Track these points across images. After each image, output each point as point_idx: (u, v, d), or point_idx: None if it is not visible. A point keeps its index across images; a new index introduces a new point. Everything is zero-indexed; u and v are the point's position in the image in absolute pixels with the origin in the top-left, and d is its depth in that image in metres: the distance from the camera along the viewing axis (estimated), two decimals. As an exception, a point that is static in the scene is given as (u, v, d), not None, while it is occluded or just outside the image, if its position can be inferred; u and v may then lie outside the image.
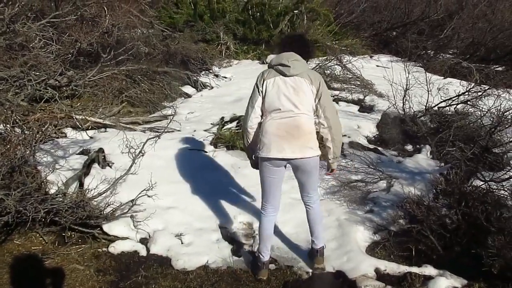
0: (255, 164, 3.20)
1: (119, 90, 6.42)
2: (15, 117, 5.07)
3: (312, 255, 3.33)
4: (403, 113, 5.94)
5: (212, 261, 3.37)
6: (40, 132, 4.88)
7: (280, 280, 3.25)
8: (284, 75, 2.91)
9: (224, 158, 4.90)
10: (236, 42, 9.69)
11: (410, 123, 5.80)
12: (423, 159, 5.08)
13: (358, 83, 7.47)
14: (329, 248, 3.54)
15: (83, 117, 5.15)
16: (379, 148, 5.48)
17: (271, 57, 9.51)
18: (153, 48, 8.27)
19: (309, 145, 2.92)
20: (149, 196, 3.64)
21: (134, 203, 3.56)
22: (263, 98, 2.97)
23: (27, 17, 6.24)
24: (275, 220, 3.27)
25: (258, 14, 10.07)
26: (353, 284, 3.15)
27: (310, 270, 3.33)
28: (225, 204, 4.09)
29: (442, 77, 8.14)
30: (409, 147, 5.57)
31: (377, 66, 9.41)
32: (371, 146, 5.53)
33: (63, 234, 3.56)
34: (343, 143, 5.47)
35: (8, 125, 4.77)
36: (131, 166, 3.86)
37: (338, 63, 7.76)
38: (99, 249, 3.47)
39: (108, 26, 7.23)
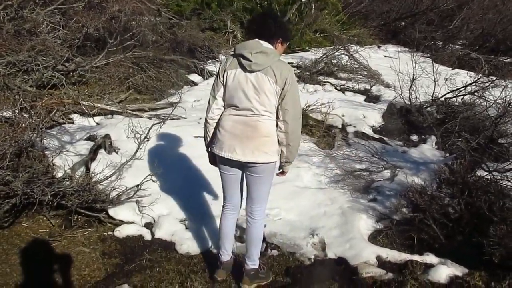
0: (213, 159, 2.91)
1: (126, 77, 6.45)
2: (22, 102, 5.13)
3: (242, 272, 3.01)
4: (409, 103, 5.93)
5: (216, 246, 3.41)
6: (47, 117, 4.94)
7: (282, 266, 3.28)
8: (245, 70, 2.54)
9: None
10: (243, 30, 9.64)
11: (416, 114, 5.80)
12: (428, 150, 5.09)
13: (365, 73, 7.45)
14: (332, 235, 3.58)
15: (90, 103, 5.19)
16: (384, 138, 5.48)
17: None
18: (160, 35, 8.28)
19: (263, 149, 2.62)
20: (153, 181, 3.68)
21: (139, 187, 3.61)
22: (224, 88, 2.65)
23: (35, 3, 6.28)
24: (235, 219, 3.03)
25: (265, 2, 10.02)
26: (354, 271, 3.18)
27: (312, 257, 3.37)
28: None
29: (450, 68, 8.10)
30: (414, 138, 5.57)
31: (385, 56, 9.36)
32: (376, 136, 5.53)
33: (70, 217, 3.60)
34: (348, 133, 5.51)
35: (16, 110, 4.82)
36: (136, 151, 3.90)
37: (345, 53, 7.73)
38: (104, 233, 3.52)
39: (115, 11, 7.26)
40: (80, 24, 6.14)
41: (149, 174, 3.65)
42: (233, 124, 2.65)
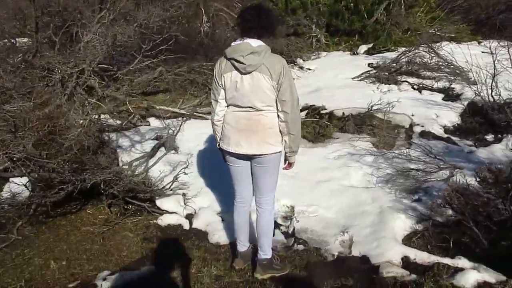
0: (223, 156, 3.01)
1: (203, 83, 6.95)
2: (111, 109, 5.88)
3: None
4: (490, 100, 5.42)
5: (246, 238, 3.54)
6: (126, 121, 5.60)
7: (304, 260, 3.30)
8: (241, 72, 2.62)
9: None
10: (327, 34, 9.65)
11: (497, 112, 5.27)
12: (501, 149, 4.62)
13: (450, 70, 6.93)
14: (362, 234, 3.49)
15: (162, 108, 5.72)
16: (453, 138, 5.10)
17: (362, 48, 9.31)
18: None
19: (268, 141, 2.73)
20: (185, 174, 3.97)
21: (174, 180, 3.92)
22: (224, 91, 2.74)
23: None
24: (247, 211, 3.12)
25: (351, 4, 9.86)
26: (376, 270, 3.07)
27: (336, 253, 3.33)
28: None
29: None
30: (489, 137, 5.07)
31: (482, 52, 8.55)
32: (445, 136, 5.16)
33: (125, 207, 4.05)
34: (414, 132, 5.25)
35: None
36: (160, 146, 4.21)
37: (428, 51, 7.27)
38: (150, 221, 3.89)
39: (203, 25, 7.87)
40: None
41: (183, 168, 3.95)
42: (237, 120, 2.76)
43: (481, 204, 3.17)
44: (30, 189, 3.69)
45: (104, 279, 3.09)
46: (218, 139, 2.96)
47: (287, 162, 2.97)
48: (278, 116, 2.72)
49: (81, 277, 3.18)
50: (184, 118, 4.60)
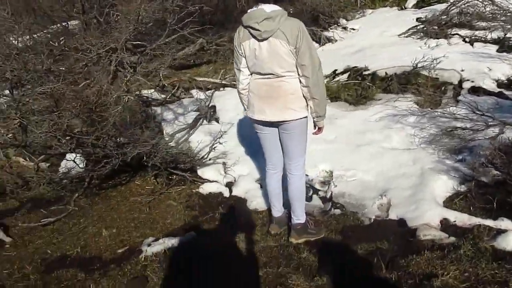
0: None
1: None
2: (152, 84, 6.05)
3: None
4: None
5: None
6: (170, 94, 5.76)
7: (340, 225, 3.30)
8: (257, 39, 2.60)
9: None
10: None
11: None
12: (559, 102, 4.27)
13: (504, 18, 6.41)
14: (401, 196, 3.43)
15: (204, 79, 5.81)
16: (507, 92, 4.77)
17: (410, 1, 8.81)
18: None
19: (291, 107, 2.71)
20: (220, 143, 4.05)
21: (211, 149, 4.03)
22: (245, 59, 2.74)
23: None
24: (279, 177, 3.14)
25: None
26: (413, 233, 3.02)
27: (373, 217, 3.30)
28: (311, 152, 4.20)
29: None
30: (548, 89, 4.70)
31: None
32: (497, 90, 4.84)
33: (170, 177, 4.23)
34: (463, 88, 4.99)
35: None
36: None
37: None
38: (193, 190, 4.04)
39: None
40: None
41: (218, 137, 4.03)
42: (259, 87, 2.77)
43: (527, 162, 2.99)
44: (79, 164, 3.94)
45: (149, 245, 3.28)
46: (246, 108, 2.99)
47: (316, 127, 2.93)
48: (300, 81, 2.69)
49: (129, 243, 3.40)
50: (214, 90, 4.63)
